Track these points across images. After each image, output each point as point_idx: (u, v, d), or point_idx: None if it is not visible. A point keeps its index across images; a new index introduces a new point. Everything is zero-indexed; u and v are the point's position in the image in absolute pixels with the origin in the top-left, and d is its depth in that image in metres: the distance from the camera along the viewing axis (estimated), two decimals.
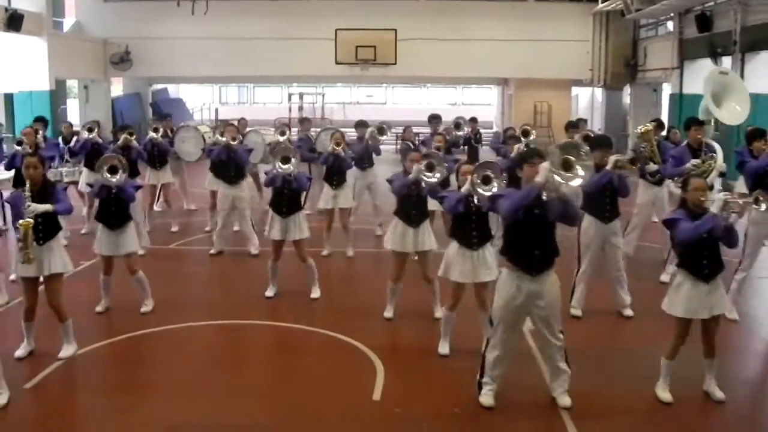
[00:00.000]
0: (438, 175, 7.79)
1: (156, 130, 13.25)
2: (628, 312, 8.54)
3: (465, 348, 7.23)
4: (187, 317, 8.50)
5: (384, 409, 6.18)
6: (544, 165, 5.66)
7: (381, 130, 12.63)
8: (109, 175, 8.06)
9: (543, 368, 6.55)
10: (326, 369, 7.21)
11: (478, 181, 6.68)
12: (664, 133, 12.86)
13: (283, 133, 13.85)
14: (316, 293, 9.26)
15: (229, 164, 11.38)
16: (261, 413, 6.16)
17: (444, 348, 7.35)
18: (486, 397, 6.20)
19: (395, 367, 7.04)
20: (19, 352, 7.17)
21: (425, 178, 7.80)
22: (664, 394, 6.31)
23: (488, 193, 6.68)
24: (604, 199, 8.39)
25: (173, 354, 7.60)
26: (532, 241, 5.94)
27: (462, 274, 7.11)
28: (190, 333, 8.17)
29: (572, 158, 5.60)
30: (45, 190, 7.05)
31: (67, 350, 7.26)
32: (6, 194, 11.03)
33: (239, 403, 6.32)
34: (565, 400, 6.14)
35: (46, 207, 6.90)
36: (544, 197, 5.79)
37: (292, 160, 8.90)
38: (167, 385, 6.74)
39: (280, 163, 8.86)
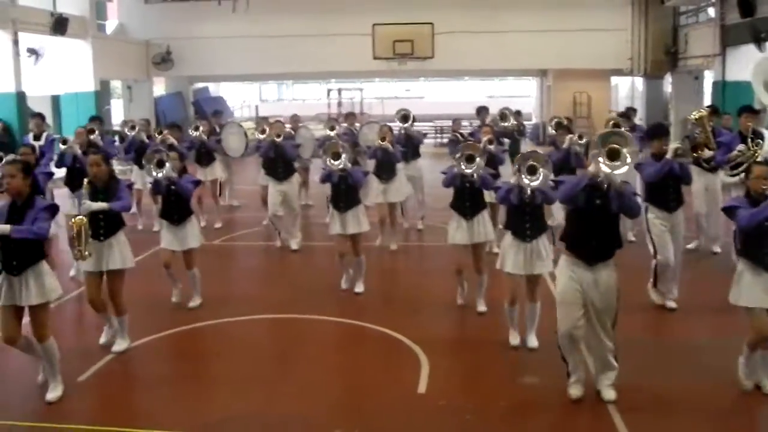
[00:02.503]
0: (475, 166, 7.92)
1: (197, 128, 13.50)
2: (671, 304, 8.47)
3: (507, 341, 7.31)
4: (235, 311, 8.67)
5: (429, 402, 6.24)
6: (595, 155, 5.67)
7: (405, 117, 12.74)
8: (156, 170, 8.26)
9: (589, 361, 6.47)
10: (372, 362, 7.32)
11: (525, 171, 6.75)
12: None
13: (332, 128, 13.99)
14: (360, 288, 9.35)
15: (276, 160, 11.52)
16: (308, 405, 6.26)
17: (515, 338, 7.39)
18: (573, 389, 6.18)
19: (440, 361, 7.08)
20: (103, 339, 7.54)
21: (465, 170, 7.95)
22: (746, 382, 6.21)
23: (534, 183, 6.76)
24: (668, 189, 8.30)
25: (222, 347, 7.76)
26: (590, 230, 5.94)
27: (515, 265, 7.14)
28: (238, 327, 8.33)
29: (618, 146, 5.58)
30: (109, 187, 7.21)
31: (120, 345, 7.45)
32: (57, 193, 11.38)
33: (287, 395, 6.44)
34: (609, 394, 6.11)
35: (101, 205, 7.05)
36: (604, 187, 5.79)
37: (343, 155, 8.99)
38: (217, 377, 6.89)
39: (331, 159, 8.98)
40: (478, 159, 7.97)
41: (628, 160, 5.60)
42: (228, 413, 6.14)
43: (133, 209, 12.99)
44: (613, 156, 5.60)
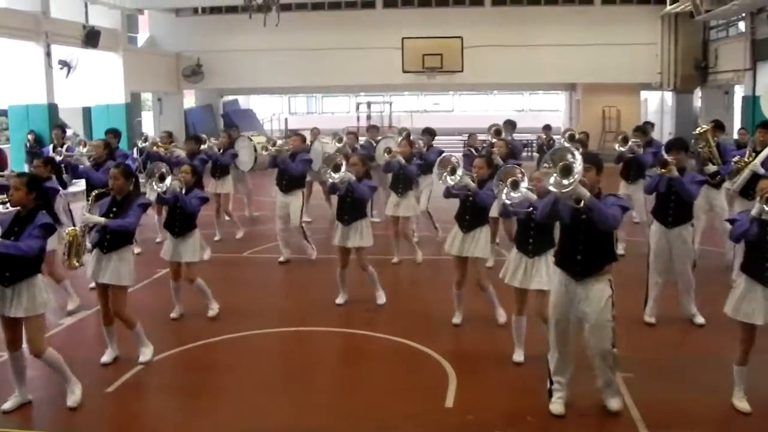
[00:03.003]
0: (458, 177, 7.86)
1: (205, 141, 13.60)
2: (700, 320, 8.36)
3: (539, 354, 7.19)
4: (258, 324, 8.67)
5: (456, 417, 6.20)
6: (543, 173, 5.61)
7: (427, 131, 12.71)
8: (157, 183, 8.17)
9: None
10: (398, 376, 7.27)
11: (508, 186, 6.73)
12: (736, 135, 12.73)
13: (340, 141, 14.03)
14: (381, 299, 9.35)
15: (283, 173, 11.60)
16: (332, 419, 6.25)
17: (519, 356, 7.31)
18: (556, 405, 6.16)
19: (467, 374, 7.05)
20: (105, 358, 7.42)
21: (448, 182, 7.91)
22: (741, 403, 6.13)
23: (515, 199, 6.75)
24: (668, 204, 8.19)
25: (245, 360, 7.76)
26: (577, 245, 5.90)
27: (513, 278, 7.13)
28: (261, 339, 8.33)
29: (568, 162, 5.47)
30: (125, 202, 7.23)
31: (145, 354, 7.47)
32: (74, 206, 11.49)
33: (311, 409, 6.43)
34: (613, 404, 6.08)
35: (98, 220, 7.05)
36: (579, 205, 5.69)
37: (342, 167, 8.97)
38: (240, 390, 6.87)
39: (331, 172, 8.99)
40: (459, 170, 7.89)
41: (576, 173, 5.41)
42: (254, 426, 6.14)
43: (155, 220, 13.11)
44: (566, 173, 5.46)
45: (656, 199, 8.41)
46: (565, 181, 5.45)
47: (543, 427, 6.02)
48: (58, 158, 10.66)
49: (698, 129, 10.10)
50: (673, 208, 8.20)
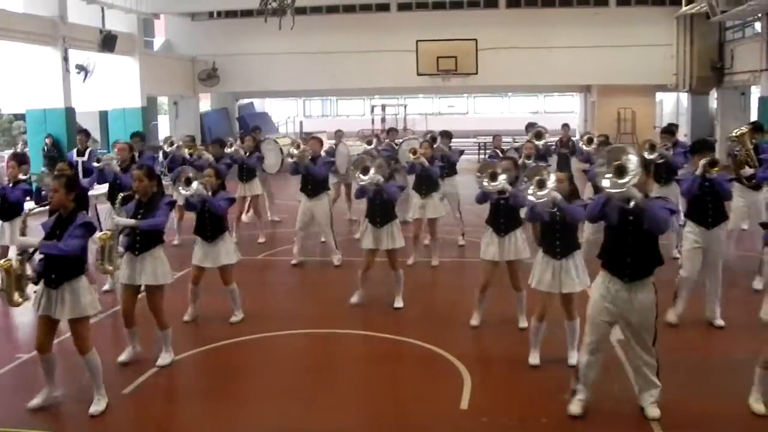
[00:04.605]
0: (499, 183, 7.80)
1: (230, 145, 13.66)
2: (719, 322, 8.32)
3: (553, 358, 7.22)
4: (275, 326, 8.71)
5: (471, 419, 6.22)
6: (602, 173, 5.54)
7: (445, 134, 12.74)
8: (184, 188, 8.18)
9: (632, 378, 6.40)
10: (413, 378, 7.29)
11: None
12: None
13: (369, 143, 14.07)
14: (399, 303, 9.35)
15: (307, 178, 11.61)
16: (348, 421, 6.27)
17: (534, 358, 7.30)
18: (574, 406, 6.15)
19: (482, 377, 7.06)
20: (122, 357, 7.51)
21: (488, 188, 7.86)
22: (758, 405, 6.10)
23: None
24: (707, 204, 8.19)
25: (263, 362, 7.80)
26: (625, 247, 5.86)
27: (541, 282, 7.10)
28: (278, 342, 8.37)
29: (623, 162, 5.44)
30: (151, 203, 7.30)
31: (165, 358, 7.52)
32: (100, 208, 11.57)
33: (327, 411, 6.46)
34: (654, 412, 6.03)
35: (128, 221, 7.13)
36: (630, 205, 5.67)
37: (372, 169, 8.99)
38: (257, 392, 6.92)
39: (360, 174, 9.00)
40: (502, 175, 7.83)
41: (632, 177, 5.41)
42: (268, 428, 6.19)
43: (174, 224, 13.17)
44: (621, 172, 5.46)
45: (690, 201, 8.37)
46: (620, 181, 5.45)
47: (558, 429, 6.02)
48: (96, 164, 10.78)
49: (736, 132, 9.94)
50: (712, 208, 8.23)
